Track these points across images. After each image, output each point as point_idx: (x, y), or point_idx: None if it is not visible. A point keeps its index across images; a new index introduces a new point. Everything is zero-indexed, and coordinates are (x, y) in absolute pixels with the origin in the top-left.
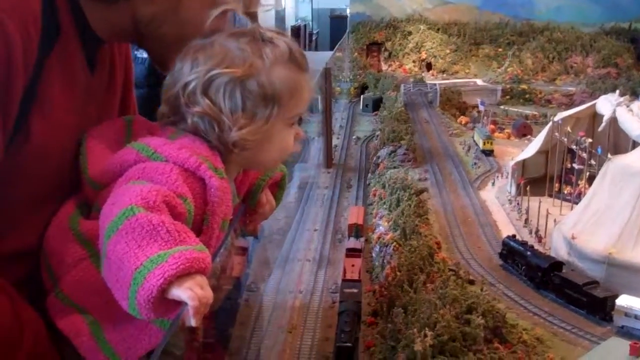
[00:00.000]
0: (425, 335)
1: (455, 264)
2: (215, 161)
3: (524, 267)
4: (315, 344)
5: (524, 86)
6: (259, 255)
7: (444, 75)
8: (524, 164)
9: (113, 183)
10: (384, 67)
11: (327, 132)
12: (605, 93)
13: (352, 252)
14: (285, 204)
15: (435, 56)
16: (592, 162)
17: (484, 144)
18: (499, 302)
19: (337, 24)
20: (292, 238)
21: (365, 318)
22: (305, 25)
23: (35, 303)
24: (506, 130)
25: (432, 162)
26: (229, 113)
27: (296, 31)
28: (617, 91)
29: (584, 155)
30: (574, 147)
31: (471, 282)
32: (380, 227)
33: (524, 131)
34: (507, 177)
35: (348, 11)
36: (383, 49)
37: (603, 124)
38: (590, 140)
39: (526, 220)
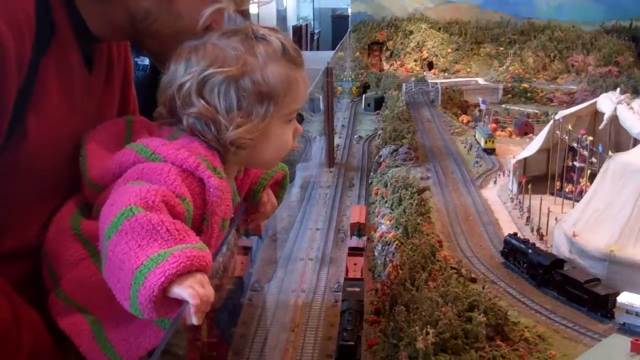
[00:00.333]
0: (427, 333)
1: (457, 262)
2: (214, 161)
3: (525, 265)
4: (317, 343)
5: (525, 85)
6: (262, 254)
7: (446, 74)
8: (525, 162)
9: (112, 184)
10: (386, 66)
11: (329, 131)
12: (606, 91)
13: (354, 251)
14: (288, 203)
15: (436, 55)
16: (593, 160)
17: (486, 142)
18: (500, 300)
19: (338, 23)
20: (294, 237)
21: (368, 316)
22: (306, 25)
23: (36, 302)
24: (508, 129)
25: (434, 160)
26: (225, 113)
27: (298, 31)
28: (618, 89)
29: (585, 153)
30: (575, 145)
31: (473, 280)
32: (382, 226)
33: (525, 129)
34: (508, 176)
35: (349, 11)
36: (384, 48)
37: (604, 122)
38: (591, 138)
39: (528, 218)
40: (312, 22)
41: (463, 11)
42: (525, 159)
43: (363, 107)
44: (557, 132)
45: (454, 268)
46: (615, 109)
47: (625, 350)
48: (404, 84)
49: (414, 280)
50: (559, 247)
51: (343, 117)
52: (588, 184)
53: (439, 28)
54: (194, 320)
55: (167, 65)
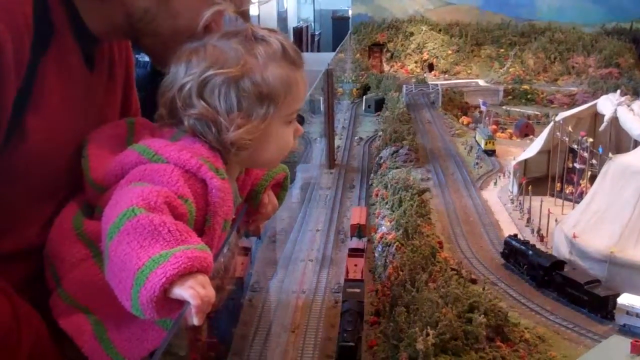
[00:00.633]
0: (428, 334)
1: (457, 263)
2: (216, 162)
3: (525, 266)
4: (318, 344)
5: (525, 86)
6: (263, 255)
7: (446, 75)
8: (525, 163)
9: (115, 185)
10: (386, 67)
11: (329, 132)
12: (606, 93)
13: (354, 252)
14: (288, 204)
15: (437, 57)
16: (594, 161)
17: (486, 144)
18: (501, 301)
19: (339, 25)
20: (295, 238)
21: (368, 317)
22: (307, 27)
23: (37, 303)
24: (508, 131)
25: (434, 162)
26: (225, 114)
27: (298, 32)
28: (619, 91)
29: (586, 154)
30: (575, 146)
31: (473, 281)
32: (383, 227)
33: (525, 131)
34: (509, 177)
35: (350, 12)
36: (385, 49)
37: (604, 124)
38: (591, 139)
39: (528, 220)
40: (312, 24)
41: (463, 13)
42: (525, 160)
43: (363, 108)
44: (558, 133)
45: (454, 269)
46: (616, 110)
47: (625, 352)
48: (404, 86)
49: (414, 282)
50: (559, 248)
51: (343, 119)
52: (588, 185)
53: (440, 30)
54: (195, 321)
55: (168, 67)
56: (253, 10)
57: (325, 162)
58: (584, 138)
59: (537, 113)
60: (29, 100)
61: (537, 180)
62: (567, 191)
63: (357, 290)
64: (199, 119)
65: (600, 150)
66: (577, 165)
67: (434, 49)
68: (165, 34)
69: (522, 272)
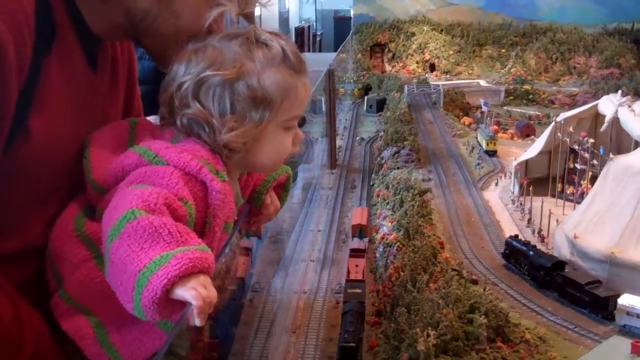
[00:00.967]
0: (429, 335)
1: (458, 263)
2: (217, 164)
3: (526, 267)
4: (319, 344)
5: (527, 87)
6: (263, 255)
7: (448, 76)
8: (526, 164)
9: (115, 187)
10: (388, 68)
11: (330, 133)
12: (608, 93)
13: (355, 253)
14: (289, 204)
15: (438, 57)
16: (595, 162)
17: (487, 144)
18: (501, 302)
19: (340, 25)
20: (296, 239)
21: (369, 318)
22: (309, 27)
23: (39, 304)
24: (509, 131)
25: (435, 162)
26: (218, 116)
27: (300, 32)
28: (620, 91)
29: (586, 155)
30: (576, 147)
31: (474, 282)
32: (384, 228)
33: (527, 131)
34: (510, 178)
35: (352, 12)
36: (386, 50)
37: (605, 124)
38: (592, 140)
39: (529, 220)
40: (314, 24)
41: (465, 13)
42: (526, 161)
43: (365, 108)
44: (559, 134)
45: (455, 270)
46: (617, 111)
47: (626, 352)
48: (406, 86)
49: (415, 282)
50: (560, 249)
51: (345, 119)
52: (589, 186)
53: (441, 30)
54: (197, 322)
55: (170, 66)
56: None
57: (326, 162)
58: (585, 139)
59: (538, 113)
60: (31, 101)
61: (538, 180)
62: (568, 192)
63: (358, 290)
64: (193, 120)
65: (601, 150)
66: (578, 166)
67: (435, 49)
68: (166, 34)
69: (523, 272)
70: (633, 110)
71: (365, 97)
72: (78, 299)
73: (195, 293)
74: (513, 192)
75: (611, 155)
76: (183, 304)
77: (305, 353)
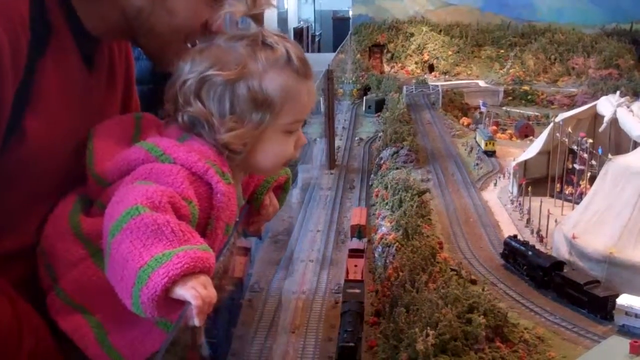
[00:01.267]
0: (428, 335)
1: (457, 263)
2: (223, 166)
3: (525, 267)
4: (318, 344)
5: (525, 87)
6: (263, 255)
7: (446, 76)
8: (525, 164)
9: (119, 181)
10: (387, 68)
11: (329, 133)
12: (606, 94)
13: (354, 253)
14: (289, 204)
15: (437, 58)
16: (593, 162)
17: (486, 144)
18: (500, 302)
19: (339, 25)
20: (295, 239)
21: (368, 318)
22: (307, 27)
23: (37, 303)
24: (508, 131)
25: (434, 163)
26: (218, 115)
27: (299, 33)
28: (618, 92)
29: (585, 155)
30: (575, 147)
31: (473, 282)
32: (383, 228)
33: (525, 132)
34: (509, 178)
35: (350, 13)
36: (385, 50)
37: (604, 125)
38: (591, 140)
39: (528, 221)
40: (313, 24)
41: (464, 14)
42: (525, 161)
43: (364, 109)
44: (557, 134)
45: (454, 270)
46: (615, 111)
47: (625, 352)
48: (404, 87)
49: (414, 282)
50: (559, 249)
51: (344, 119)
52: (588, 186)
53: (440, 30)
54: (196, 322)
55: (176, 63)
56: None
57: (325, 162)
58: (584, 139)
59: (537, 114)
60: (27, 101)
61: (536, 181)
62: (567, 192)
63: (357, 290)
64: (194, 118)
65: (600, 151)
66: (576, 166)
67: (434, 49)
68: (161, 32)
69: (522, 272)
70: (632, 111)
71: (364, 98)
72: (75, 298)
73: (195, 293)
74: (512, 193)
75: (610, 156)
76: (182, 303)
77: (305, 353)
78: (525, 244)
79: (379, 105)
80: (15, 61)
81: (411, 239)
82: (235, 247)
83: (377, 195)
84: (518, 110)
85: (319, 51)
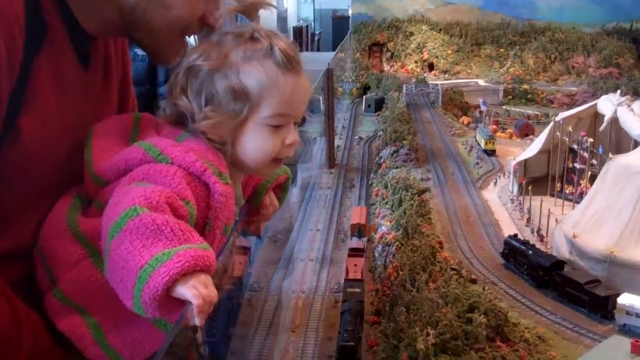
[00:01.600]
0: (428, 334)
1: (457, 263)
2: (220, 166)
3: (525, 266)
4: (318, 343)
5: (525, 86)
6: (262, 255)
7: (446, 75)
8: (525, 163)
9: (116, 180)
10: (386, 67)
11: (329, 132)
12: (606, 93)
13: (354, 252)
14: (288, 204)
15: (437, 56)
16: (594, 161)
17: (486, 143)
18: (501, 301)
19: (339, 24)
20: (294, 238)
21: (368, 317)
22: (307, 26)
23: (35, 303)
24: (508, 130)
25: (434, 162)
26: (196, 105)
27: (298, 32)
28: (619, 91)
29: (586, 154)
30: (575, 146)
31: (473, 281)
32: (383, 227)
33: (525, 131)
34: (509, 177)
35: (350, 12)
36: (385, 49)
37: (604, 124)
38: (591, 139)
39: (528, 220)
40: (312, 23)
41: (463, 13)
42: (525, 160)
43: (363, 108)
44: (558, 133)
45: (454, 269)
46: (616, 110)
47: (626, 352)
48: (404, 85)
49: (414, 281)
50: (559, 248)
51: (343, 118)
52: (588, 185)
53: (440, 29)
54: (197, 321)
55: (166, 54)
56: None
57: (325, 161)
58: (584, 138)
59: (537, 113)
60: (22, 101)
61: (537, 180)
62: (567, 191)
63: (357, 290)
64: (177, 106)
65: (601, 150)
66: (577, 165)
67: (434, 48)
68: (157, 27)
69: (522, 272)
70: (632, 110)
71: (364, 97)
72: (73, 299)
73: (196, 292)
74: (512, 192)
75: (610, 155)
76: (183, 302)
77: (305, 352)
78: (525, 243)
79: (379, 104)
80: (10, 60)
81: (411, 238)
82: (234, 246)
83: (376, 195)
84: (518, 109)
85: (318, 50)
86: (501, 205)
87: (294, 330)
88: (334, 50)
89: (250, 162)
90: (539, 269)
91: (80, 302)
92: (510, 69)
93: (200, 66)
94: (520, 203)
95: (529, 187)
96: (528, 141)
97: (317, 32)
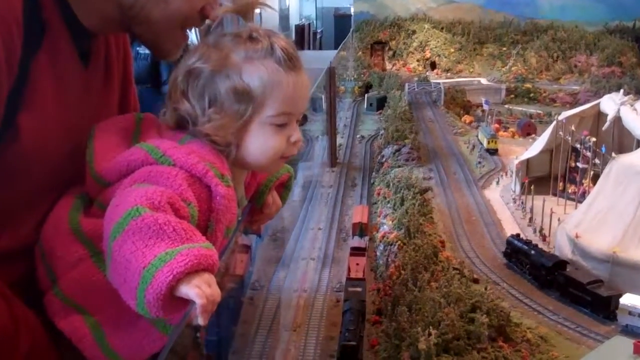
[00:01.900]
0: (430, 334)
1: (459, 262)
2: (222, 168)
3: (528, 266)
4: (319, 343)
5: (528, 85)
6: (264, 253)
7: (448, 74)
8: (528, 162)
9: (118, 182)
10: (388, 66)
11: (331, 131)
12: (609, 92)
13: (356, 251)
14: (290, 202)
15: (439, 55)
16: (597, 161)
17: (488, 142)
18: (503, 301)
19: (341, 22)
20: (296, 237)
21: (370, 316)
22: (309, 24)
23: (34, 303)
24: (510, 129)
25: (436, 161)
26: (199, 107)
27: (300, 30)
28: (622, 90)
29: (588, 154)
30: (578, 146)
31: (475, 281)
32: (385, 226)
33: (528, 130)
34: (511, 176)
35: (352, 10)
36: (387, 48)
37: (607, 123)
38: (594, 139)
39: (530, 219)
40: (314, 22)
41: (466, 11)
42: (528, 159)
43: (365, 106)
44: (560, 132)
45: (457, 269)
46: (619, 110)
47: (628, 352)
48: (406, 84)
49: (416, 281)
50: (562, 248)
51: (345, 117)
52: (591, 185)
53: (442, 28)
54: (200, 321)
55: (168, 49)
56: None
57: (327, 160)
58: (587, 137)
59: (539, 112)
60: (21, 99)
61: (539, 179)
62: (570, 191)
63: (359, 289)
64: (178, 110)
65: (603, 149)
66: (579, 165)
67: (436, 47)
68: (157, 20)
69: (525, 271)
70: (635, 109)
71: (366, 95)
72: (74, 298)
73: (200, 291)
74: (514, 191)
75: (613, 155)
76: (186, 302)
77: (306, 351)
78: (527, 243)
79: (381, 103)
80: (8, 59)
81: (413, 238)
82: (236, 245)
83: (378, 194)
84: (520, 108)
85: (320, 48)
86: (503, 205)
87: (296, 329)
88: (336, 48)
89: (256, 161)
90: (541, 269)
91: (80, 302)
92: (513, 68)
93: (200, 69)
94: (522, 202)
95: (532, 187)
96: (530, 140)
97: (319, 31)
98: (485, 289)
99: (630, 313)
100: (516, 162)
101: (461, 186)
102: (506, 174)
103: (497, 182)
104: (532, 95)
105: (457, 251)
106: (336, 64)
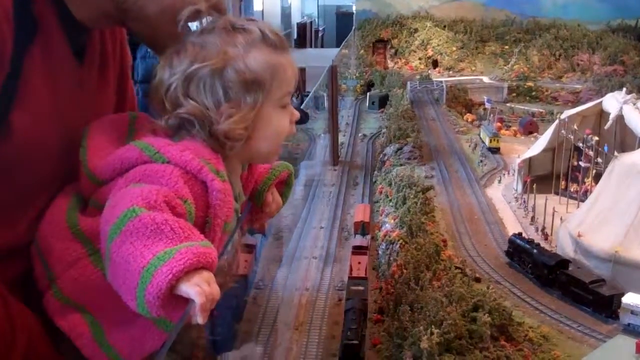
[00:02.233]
0: (432, 333)
1: (461, 261)
2: (217, 164)
3: (530, 265)
4: (321, 341)
5: (530, 84)
6: (266, 252)
7: (450, 72)
8: (530, 161)
9: (113, 180)
10: (390, 64)
11: (333, 129)
12: (611, 91)
13: (358, 250)
14: (292, 201)
15: (441, 53)
16: (599, 159)
17: (491, 141)
18: (505, 300)
19: (343, 20)
20: (298, 235)
21: (372, 315)
22: (311, 22)
23: (31, 302)
24: (512, 128)
25: (438, 159)
26: (214, 107)
27: (302, 28)
28: (624, 89)
29: (591, 153)
30: (580, 144)
31: (477, 280)
32: (387, 225)
33: (530, 129)
34: (513, 175)
35: (354, 8)
36: (389, 46)
37: (610, 122)
38: (596, 138)
39: (532, 218)
40: (316, 19)
41: (468, 9)
42: (530, 158)
43: (367, 105)
44: (563, 131)
45: (459, 268)
46: (621, 108)
47: (630, 351)
48: (408, 82)
49: (418, 280)
50: (564, 247)
51: (347, 115)
52: (593, 184)
53: (444, 26)
54: (199, 319)
55: (153, 72)
56: (257, 5)
57: (328, 158)
58: (589, 136)
59: (541, 110)
60: (14, 96)
61: (541, 178)
62: (572, 189)
63: (361, 288)
64: (188, 117)
65: (606, 148)
66: (582, 164)
67: (438, 45)
68: (151, 14)
69: (527, 271)
70: (638, 108)
71: (368, 94)
72: (73, 297)
73: (199, 290)
74: (516, 190)
75: (616, 153)
76: (186, 300)
77: (308, 350)
78: (530, 242)
79: (383, 101)
80: (0, 56)
81: (415, 236)
82: (239, 245)
83: (380, 192)
84: (522, 107)
85: (322, 46)
86: (505, 204)
87: (298, 327)
88: (337, 46)
89: (269, 148)
90: (543, 268)
91: (79, 301)
92: (515, 66)
93: (202, 69)
94: (524, 201)
95: (534, 185)
96: (532, 139)
97: (321, 29)
98: (488, 288)
99: (632, 312)
100: (518, 160)
101: (463, 185)
102: (508, 173)
103: (499, 181)
104: (534, 93)
105: (459, 250)
106: (338, 62)
